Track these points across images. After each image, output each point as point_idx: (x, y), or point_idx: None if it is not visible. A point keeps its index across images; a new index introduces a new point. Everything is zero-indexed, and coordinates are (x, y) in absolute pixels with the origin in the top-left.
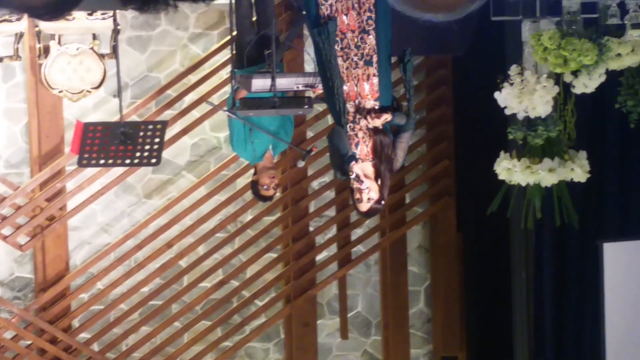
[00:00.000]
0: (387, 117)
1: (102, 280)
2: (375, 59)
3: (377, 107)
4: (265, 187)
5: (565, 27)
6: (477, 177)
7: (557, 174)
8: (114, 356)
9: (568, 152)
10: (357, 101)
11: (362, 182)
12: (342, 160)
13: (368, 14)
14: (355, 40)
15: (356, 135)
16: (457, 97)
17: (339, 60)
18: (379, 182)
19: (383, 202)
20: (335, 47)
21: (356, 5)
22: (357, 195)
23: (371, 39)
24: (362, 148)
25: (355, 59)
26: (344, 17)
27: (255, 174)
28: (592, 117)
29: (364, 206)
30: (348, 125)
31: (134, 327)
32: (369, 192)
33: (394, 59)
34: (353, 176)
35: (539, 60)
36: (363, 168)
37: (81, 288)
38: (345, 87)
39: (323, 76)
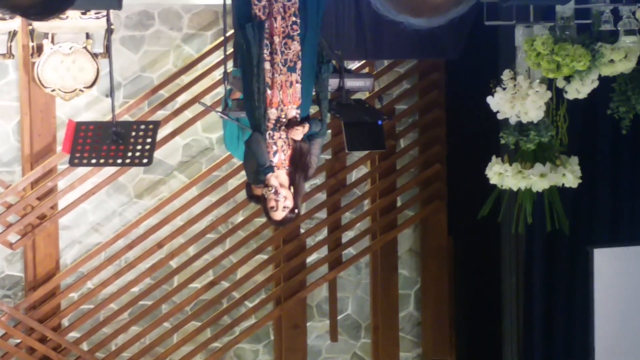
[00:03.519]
0: (306, 128)
1: (92, 280)
2: (298, 65)
3: (297, 118)
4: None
5: (558, 32)
6: (468, 181)
7: (549, 179)
8: (103, 356)
9: (560, 158)
10: (279, 108)
11: (279, 193)
12: (258, 169)
13: (293, 18)
14: (281, 45)
15: (275, 143)
16: (450, 101)
17: (267, 65)
18: (292, 190)
19: (297, 211)
20: (265, 51)
21: (281, 10)
22: (272, 204)
23: (295, 45)
24: (280, 156)
25: (279, 64)
26: (274, 21)
27: None
28: (584, 123)
29: (279, 215)
30: (267, 133)
31: (123, 326)
32: (285, 201)
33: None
34: (272, 191)
35: (532, 65)
36: (278, 176)
37: (71, 287)
38: (268, 93)
39: (245, 78)
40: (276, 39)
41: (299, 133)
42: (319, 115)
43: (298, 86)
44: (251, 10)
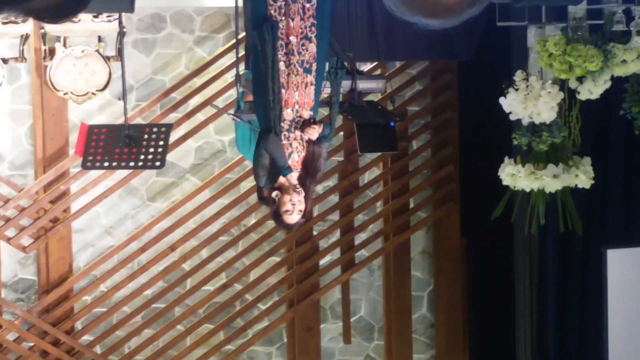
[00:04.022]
0: (321, 128)
1: (105, 283)
2: (314, 67)
3: (312, 118)
4: None
5: (570, 33)
6: (481, 183)
7: (562, 180)
8: (116, 359)
9: (572, 158)
10: (294, 109)
11: (299, 193)
12: (275, 171)
13: (311, 20)
14: (298, 46)
15: (290, 145)
16: (463, 102)
17: (282, 66)
18: (303, 193)
19: (306, 215)
20: (280, 51)
21: (300, 10)
22: (288, 207)
23: (312, 47)
24: (294, 158)
25: (296, 65)
26: (291, 22)
27: None
28: (597, 124)
29: (294, 218)
30: (282, 134)
31: (136, 329)
32: (299, 204)
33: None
34: (298, 190)
35: (544, 66)
36: (292, 178)
37: (84, 290)
38: (284, 94)
39: (257, 79)
40: (293, 40)
41: (315, 132)
42: (327, 118)
43: (312, 87)
44: (267, 11)
